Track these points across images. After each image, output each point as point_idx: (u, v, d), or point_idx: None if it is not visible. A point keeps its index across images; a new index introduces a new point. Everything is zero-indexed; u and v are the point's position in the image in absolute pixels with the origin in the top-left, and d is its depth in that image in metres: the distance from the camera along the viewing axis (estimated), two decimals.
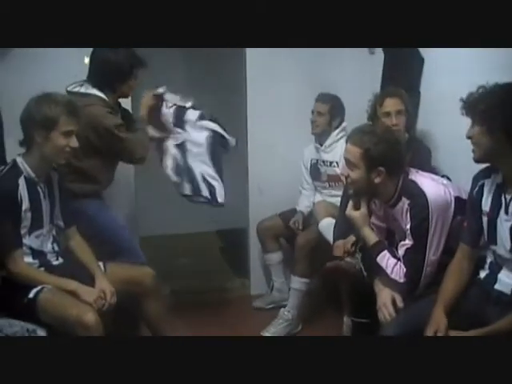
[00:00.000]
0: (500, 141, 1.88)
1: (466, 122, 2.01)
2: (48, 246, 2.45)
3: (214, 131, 3.05)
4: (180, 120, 3.03)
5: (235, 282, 4.12)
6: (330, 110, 3.40)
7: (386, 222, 2.47)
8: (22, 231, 2.32)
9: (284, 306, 3.40)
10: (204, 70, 4.76)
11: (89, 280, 2.40)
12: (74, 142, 2.34)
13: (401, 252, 2.29)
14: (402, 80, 3.27)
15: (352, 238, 2.67)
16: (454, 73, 2.91)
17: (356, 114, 3.20)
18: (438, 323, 2.05)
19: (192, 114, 3.05)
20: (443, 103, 2.90)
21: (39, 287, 2.28)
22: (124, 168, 3.11)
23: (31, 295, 2.25)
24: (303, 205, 3.59)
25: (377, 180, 2.27)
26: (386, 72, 3.52)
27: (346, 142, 2.37)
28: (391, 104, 2.93)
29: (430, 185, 2.27)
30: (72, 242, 2.56)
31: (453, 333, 2.02)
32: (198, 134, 3.03)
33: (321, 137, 3.48)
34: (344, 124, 3.43)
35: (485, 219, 2.06)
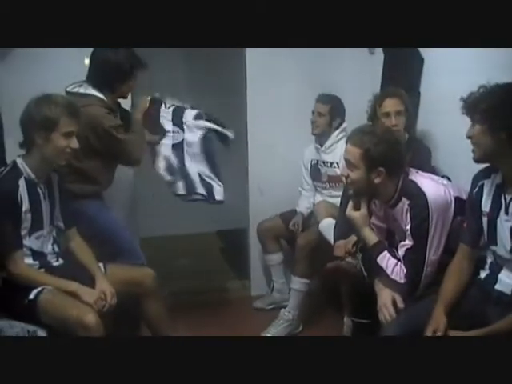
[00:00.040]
0: (501, 140, 1.88)
1: (466, 121, 2.01)
2: (48, 247, 2.45)
3: (209, 130, 3.04)
4: (179, 119, 3.03)
5: (235, 283, 4.12)
6: (331, 111, 3.40)
7: (386, 223, 2.47)
8: (23, 232, 2.32)
9: (284, 307, 3.40)
10: (204, 70, 4.75)
11: (89, 281, 2.40)
12: (74, 143, 2.34)
13: (401, 252, 2.29)
14: (402, 80, 3.26)
15: (353, 239, 2.66)
16: (453, 73, 2.91)
17: (356, 115, 3.20)
18: (437, 323, 2.05)
19: (190, 114, 3.05)
20: (443, 103, 2.90)
21: (39, 288, 2.28)
22: (124, 169, 3.11)
23: (32, 296, 2.25)
24: (303, 206, 3.59)
25: (377, 180, 2.27)
26: (385, 72, 3.52)
27: (346, 143, 2.37)
28: (391, 104, 2.93)
29: (430, 185, 2.27)
30: (72, 243, 2.56)
31: (453, 333, 2.02)
32: (193, 133, 3.03)
33: (321, 137, 3.47)
34: (344, 125, 3.43)
35: (485, 219, 2.06)
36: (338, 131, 3.43)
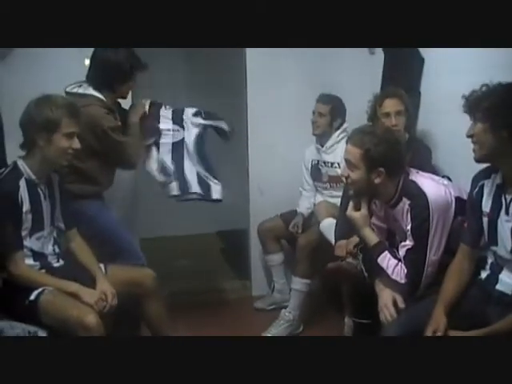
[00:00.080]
0: (502, 139, 1.88)
1: (467, 121, 2.00)
2: (49, 248, 2.45)
3: (205, 127, 3.04)
4: (179, 118, 3.03)
5: (236, 283, 4.12)
6: (331, 111, 3.40)
7: (386, 223, 2.47)
8: (23, 233, 2.32)
9: (285, 307, 3.40)
10: (204, 70, 4.76)
11: (90, 282, 2.40)
12: (76, 144, 2.34)
13: (401, 253, 2.29)
14: (403, 80, 3.27)
15: (355, 239, 2.66)
16: (454, 73, 2.91)
17: (356, 115, 3.20)
18: (437, 323, 2.05)
19: (189, 111, 3.05)
20: (443, 103, 2.91)
21: (40, 289, 2.27)
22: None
23: (32, 297, 2.25)
24: (303, 206, 3.59)
25: (377, 180, 2.27)
26: (386, 72, 3.52)
27: (347, 143, 2.37)
28: (391, 105, 2.93)
29: (430, 185, 2.27)
30: (73, 243, 2.56)
31: (454, 333, 2.02)
32: (191, 131, 3.03)
33: (322, 138, 3.47)
34: (345, 125, 3.42)
35: (485, 220, 2.06)
36: (338, 131, 3.42)
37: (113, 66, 2.74)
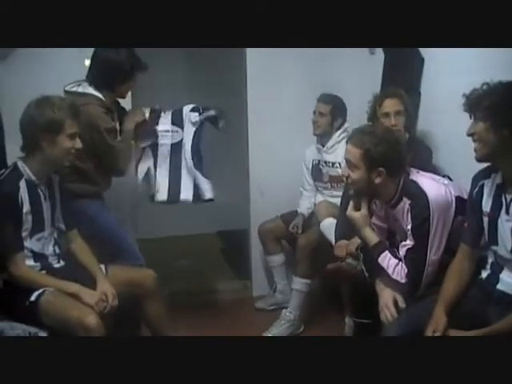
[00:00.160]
0: (503, 137, 1.88)
1: (467, 121, 2.00)
2: (49, 249, 2.45)
3: (201, 124, 3.03)
4: (179, 118, 3.03)
5: (237, 284, 4.12)
6: (332, 111, 3.39)
7: (386, 223, 2.47)
8: (23, 234, 2.32)
9: (286, 307, 3.40)
10: (204, 70, 4.76)
11: (90, 282, 2.40)
12: (78, 143, 2.35)
13: (402, 252, 2.29)
14: (403, 80, 3.26)
15: (356, 240, 2.66)
16: (454, 73, 2.91)
17: (357, 115, 3.20)
18: (437, 323, 2.05)
19: (187, 108, 3.05)
20: (444, 103, 2.90)
21: (41, 290, 2.28)
22: None
23: (33, 298, 2.25)
24: (304, 206, 3.59)
25: (377, 180, 2.27)
26: (386, 72, 3.52)
27: (347, 143, 2.37)
28: (390, 105, 2.93)
29: (430, 185, 2.27)
30: (73, 244, 2.56)
31: (454, 332, 2.02)
32: (188, 131, 3.02)
33: (323, 137, 3.47)
34: (346, 125, 3.42)
35: (485, 219, 2.06)
36: (339, 131, 3.42)
37: (113, 65, 2.74)
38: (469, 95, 1.99)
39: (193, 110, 3.03)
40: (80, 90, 2.75)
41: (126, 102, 3.03)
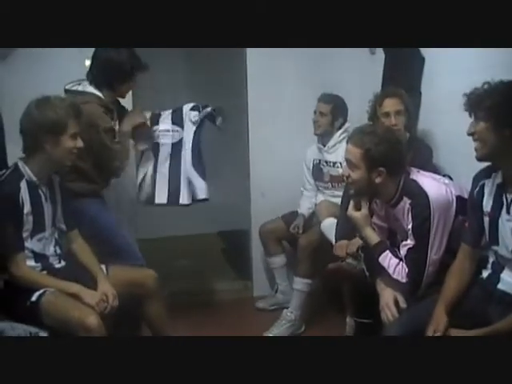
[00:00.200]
0: (504, 137, 1.88)
1: (468, 120, 2.00)
2: (50, 249, 2.45)
3: (201, 122, 3.04)
4: (179, 117, 3.04)
5: (237, 284, 4.12)
6: (332, 111, 3.39)
7: (387, 222, 2.47)
8: (24, 235, 2.32)
9: (287, 308, 3.39)
10: (204, 70, 4.76)
11: (91, 283, 2.40)
12: (80, 143, 2.36)
13: (403, 252, 2.29)
14: (403, 80, 3.26)
15: (356, 241, 2.66)
16: (454, 72, 2.91)
17: (357, 114, 3.20)
18: (438, 322, 2.05)
19: (187, 107, 3.05)
20: (444, 102, 2.91)
21: (42, 290, 2.27)
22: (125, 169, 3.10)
23: (34, 298, 2.25)
24: (304, 207, 3.59)
25: (378, 180, 2.27)
26: (386, 72, 3.52)
27: (347, 143, 2.37)
28: (390, 104, 2.93)
29: (431, 184, 2.27)
30: (74, 244, 2.56)
31: (455, 332, 2.02)
32: (188, 130, 3.03)
33: (323, 137, 3.47)
34: (347, 125, 3.41)
35: (486, 219, 2.06)
36: (340, 131, 3.42)
37: (114, 65, 2.74)
38: (469, 94, 1.99)
39: (193, 108, 3.04)
40: (80, 88, 2.75)
41: (126, 102, 3.03)
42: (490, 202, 2.04)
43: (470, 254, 2.15)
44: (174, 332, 2.67)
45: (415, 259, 2.25)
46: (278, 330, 3.30)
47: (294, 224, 3.52)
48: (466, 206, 2.20)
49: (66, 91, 2.73)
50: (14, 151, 2.43)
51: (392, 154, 2.26)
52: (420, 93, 3.27)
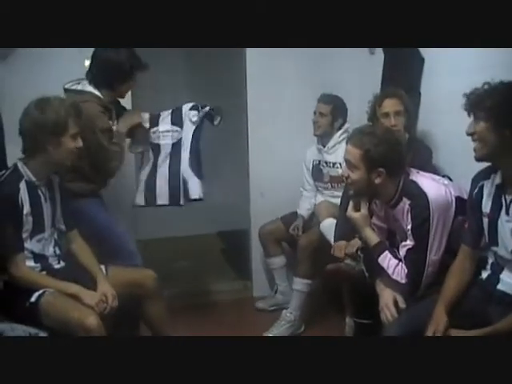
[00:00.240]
0: (505, 138, 1.88)
1: (467, 121, 2.00)
2: (50, 250, 2.44)
3: (200, 122, 3.03)
4: (178, 117, 3.03)
5: (237, 284, 4.12)
6: (332, 111, 3.39)
7: (386, 223, 2.47)
8: (24, 235, 2.32)
9: (286, 308, 3.39)
10: (204, 70, 4.76)
11: (91, 283, 2.40)
12: (80, 143, 2.36)
13: (402, 252, 2.29)
14: (403, 80, 3.26)
15: (355, 242, 2.66)
16: (454, 73, 2.91)
17: (357, 115, 3.20)
18: (438, 323, 2.05)
19: (187, 106, 3.05)
20: (444, 103, 2.91)
21: (41, 291, 2.27)
22: (123, 169, 3.10)
23: (33, 299, 2.25)
24: (304, 207, 3.59)
25: (377, 181, 2.27)
26: (386, 72, 3.52)
27: (347, 143, 2.37)
28: (390, 105, 2.92)
29: (430, 185, 2.27)
30: (74, 245, 2.56)
31: (455, 332, 2.02)
32: (188, 130, 3.02)
33: (323, 138, 3.47)
34: (347, 125, 3.41)
35: (485, 220, 2.06)
36: (340, 132, 3.42)
37: (113, 65, 2.74)
38: (469, 94, 1.99)
39: (192, 108, 3.03)
40: (79, 87, 2.76)
41: (126, 102, 3.03)
42: (489, 203, 2.04)
43: (470, 254, 2.15)
44: (174, 332, 2.67)
45: (415, 260, 2.25)
46: (277, 330, 3.30)
47: (293, 225, 3.52)
48: (466, 206, 2.20)
49: (66, 90, 2.73)
50: (14, 151, 2.43)
51: (391, 154, 2.26)
52: (419, 93, 3.27)
